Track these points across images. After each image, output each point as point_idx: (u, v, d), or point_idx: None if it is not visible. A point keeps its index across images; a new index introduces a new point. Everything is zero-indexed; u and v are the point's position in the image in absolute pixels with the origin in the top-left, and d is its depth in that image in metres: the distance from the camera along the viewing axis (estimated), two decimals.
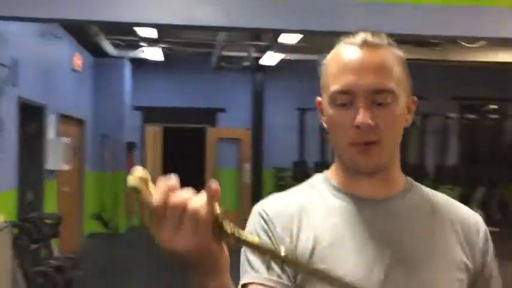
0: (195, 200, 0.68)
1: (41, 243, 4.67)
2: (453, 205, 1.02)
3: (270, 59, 9.43)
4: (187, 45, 9.33)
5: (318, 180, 1.02)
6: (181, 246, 0.67)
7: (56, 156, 6.31)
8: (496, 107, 11.11)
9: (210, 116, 10.41)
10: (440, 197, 1.03)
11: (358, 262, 0.90)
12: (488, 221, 7.09)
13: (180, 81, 10.24)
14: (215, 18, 4.23)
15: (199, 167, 10.62)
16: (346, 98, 0.91)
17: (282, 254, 0.69)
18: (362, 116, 0.89)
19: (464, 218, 1.00)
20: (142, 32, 7.62)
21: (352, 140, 0.91)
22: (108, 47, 8.73)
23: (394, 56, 0.95)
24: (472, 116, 10.48)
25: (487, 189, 10.10)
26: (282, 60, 9.47)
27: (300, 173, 9.78)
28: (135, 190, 0.68)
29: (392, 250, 0.92)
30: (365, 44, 0.93)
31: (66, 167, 6.61)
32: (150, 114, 10.21)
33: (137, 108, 10.15)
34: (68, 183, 7.34)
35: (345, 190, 0.97)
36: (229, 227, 0.68)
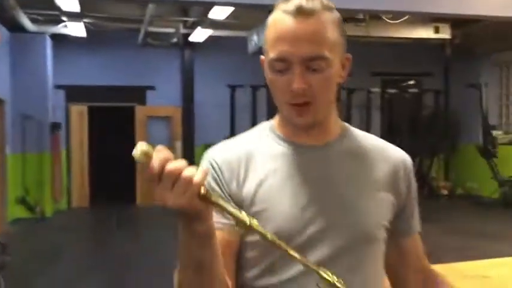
0: (188, 170, 0.80)
1: None
2: (383, 147, 1.13)
3: (199, 35, 9.34)
4: (112, 20, 9.01)
5: (264, 128, 1.11)
6: (172, 204, 0.80)
7: None
8: (414, 82, 11.76)
9: (138, 94, 10.17)
10: (372, 140, 1.14)
11: (293, 202, 1.00)
12: None
13: (105, 58, 9.89)
14: None
15: (129, 146, 10.38)
16: (282, 65, 0.98)
17: (247, 223, 0.83)
18: (296, 82, 0.97)
19: (392, 157, 1.11)
20: (63, 4, 7.25)
21: (289, 101, 1.00)
22: (26, 21, 8.25)
23: (328, 20, 0.99)
24: (392, 91, 11.01)
25: None
26: (211, 37, 9.42)
27: None
28: (141, 162, 0.80)
29: (326, 191, 1.02)
30: (299, 12, 0.96)
31: None
32: (74, 93, 9.80)
33: (60, 87, 9.70)
34: None
35: (287, 139, 1.06)
36: (211, 195, 0.83)
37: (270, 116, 5.27)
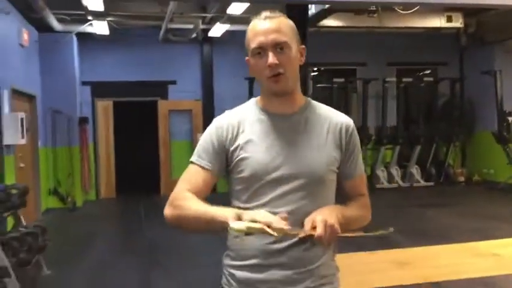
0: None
1: (11, 212, 4.83)
2: (332, 114, 1.58)
3: (217, 30, 9.67)
4: (134, 18, 9.39)
5: (251, 102, 1.59)
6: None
7: (13, 131, 6.36)
8: (429, 71, 11.92)
9: (160, 88, 10.55)
10: (325, 109, 1.58)
11: (266, 154, 1.47)
12: (424, 176, 7.98)
13: (128, 55, 10.29)
14: None
15: (152, 139, 10.79)
16: (260, 51, 1.46)
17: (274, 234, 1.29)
18: (271, 59, 1.44)
19: (338, 121, 1.55)
20: (89, 4, 7.64)
21: (267, 74, 1.46)
22: (53, 21, 8.67)
23: (285, 22, 1.49)
24: (408, 80, 11.19)
25: (423, 148, 10.92)
26: (228, 31, 9.73)
27: None
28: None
29: (290, 146, 1.49)
30: (266, 18, 1.47)
31: (23, 141, 6.67)
32: (99, 89, 10.23)
33: (86, 83, 10.14)
34: (22, 159, 7.38)
35: (265, 109, 1.54)
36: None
37: None
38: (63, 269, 5.39)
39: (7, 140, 6.32)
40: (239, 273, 1.49)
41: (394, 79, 11.09)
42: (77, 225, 8.05)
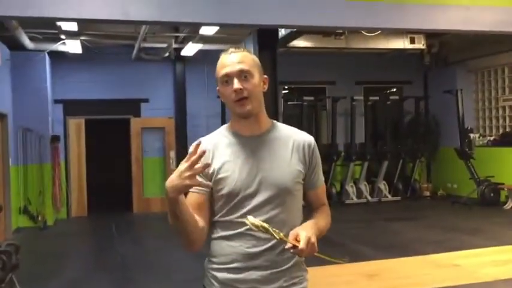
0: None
1: None
2: (295, 133, 1.78)
3: (190, 49, 9.85)
4: (107, 38, 9.51)
5: (223, 128, 1.78)
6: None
7: None
8: (395, 89, 12.35)
9: (133, 106, 10.63)
10: (288, 129, 1.79)
11: (241, 172, 1.67)
12: (392, 191, 8.32)
13: (101, 73, 10.36)
14: (146, 13, 4.62)
15: (125, 157, 10.83)
16: (227, 79, 1.67)
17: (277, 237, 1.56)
18: (236, 85, 1.64)
19: (301, 139, 1.76)
20: (63, 25, 7.73)
21: (234, 98, 1.66)
22: (25, 40, 8.70)
23: (248, 55, 1.71)
24: (375, 98, 11.57)
25: (390, 164, 11.26)
26: (201, 51, 9.93)
27: None
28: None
29: (260, 164, 1.68)
30: (232, 52, 1.69)
31: None
32: (71, 107, 10.25)
33: (59, 101, 10.15)
34: None
35: (235, 132, 1.72)
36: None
37: None
38: (37, 287, 5.39)
39: None
40: (220, 275, 1.68)
41: (362, 97, 11.46)
42: (48, 244, 8.01)
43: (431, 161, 12.12)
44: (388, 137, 11.40)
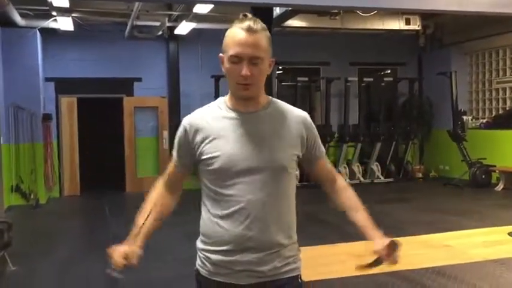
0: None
1: None
2: (291, 109, 1.76)
3: (184, 28, 9.74)
4: (99, 15, 9.37)
5: (219, 101, 1.74)
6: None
7: None
8: (389, 71, 12.32)
9: (126, 85, 10.54)
10: (284, 105, 1.77)
11: (234, 147, 1.63)
12: (384, 173, 8.38)
13: (93, 51, 10.24)
14: None
15: (118, 136, 10.77)
16: (237, 60, 1.60)
17: None
18: (245, 70, 1.59)
19: (297, 115, 1.75)
20: (54, 1, 7.60)
21: (239, 81, 1.62)
22: (16, 16, 8.56)
23: (263, 36, 1.62)
24: (369, 80, 11.54)
25: (383, 145, 11.29)
26: (195, 29, 9.82)
27: None
28: None
29: (255, 140, 1.64)
30: (248, 29, 1.59)
31: None
32: (63, 86, 10.14)
33: (50, 79, 10.03)
34: None
35: (232, 108, 1.69)
36: None
37: None
38: (28, 265, 5.39)
39: None
40: (214, 257, 1.67)
41: (356, 78, 11.43)
42: (40, 222, 8.00)
43: (424, 142, 12.17)
44: (382, 118, 11.41)
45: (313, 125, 1.78)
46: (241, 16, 1.64)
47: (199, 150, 1.67)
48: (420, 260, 5.06)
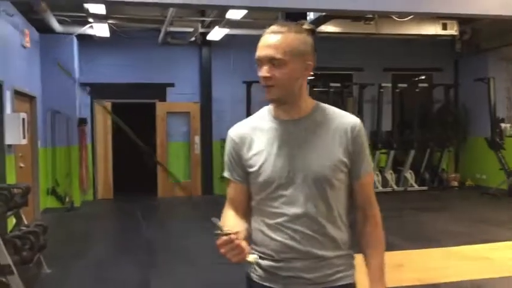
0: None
1: (14, 211, 4.92)
2: (340, 115, 1.65)
3: (216, 34, 9.78)
4: (134, 21, 9.51)
5: (264, 110, 1.70)
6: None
7: (14, 131, 6.45)
8: (424, 77, 12.08)
9: (159, 90, 10.65)
10: (333, 111, 1.67)
11: (277, 159, 1.59)
12: (418, 181, 8.18)
13: (127, 57, 10.39)
14: None
15: (150, 140, 10.88)
16: (259, 63, 1.59)
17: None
18: (262, 72, 1.57)
19: (345, 122, 1.63)
20: (91, 7, 7.75)
21: (262, 84, 1.59)
22: (54, 23, 8.77)
23: (291, 37, 1.56)
24: (403, 86, 11.33)
25: (417, 153, 11.06)
26: (227, 35, 9.85)
27: None
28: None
29: (297, 150, 1.59)
30: (272, 32, 1.57)
31: (24, 142, 6.76)
32: (98, 91, 10.32)
33: (86, 84, 10.23)
34: (22, 158, 7.46)
35: (275, 117, 1.65)
36: None
37: None
38: (63, 268, 5.48)
39: (9, 140, 6.40)
40: (264, 262, 1.63)
41: (390, 84, 11.24)
42: (75, 225, 8.14)
43: (459, 150, 11.86)
44: (416, 125, 11.18)
45: (362, 135, 1.64)
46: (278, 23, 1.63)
47: (246, 163, 1.64)
48: (458, 272, 4.90)
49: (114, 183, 10.55)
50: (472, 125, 11.54)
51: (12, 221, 5.49)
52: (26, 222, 5.28)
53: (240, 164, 1.66)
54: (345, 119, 1.64)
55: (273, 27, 1.58)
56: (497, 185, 10.09)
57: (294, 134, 1.61)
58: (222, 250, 1.41)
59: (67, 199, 9.23)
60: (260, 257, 1.63)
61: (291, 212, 1.57)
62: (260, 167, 1.60)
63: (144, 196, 10.56)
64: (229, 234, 1.41)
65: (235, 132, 1.69)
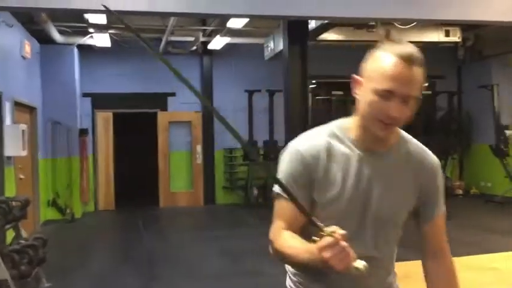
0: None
1: (12, 224, 4.84)
2: (420, 152, 1.51)
3: (217, 43, 9.75)
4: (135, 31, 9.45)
5: (335, 129, 1.45)
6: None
7: (14, 142, 6.39)
8: (427, 84, 11.99)
9: (160, 100, 10.60)
10: (414, 146, 1.51)
11: (355, 190, 1.40)
12: None
13: (128, 67, 10.36)
14: (172, 5, 4.52)
15: (152, 150, 10.83)
16: (387, 95, 1.32)
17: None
18: (395, 112, 1.32)
19: (426, 162, 1.50)
20: (92, 18, 7.72)
21: (380, 118, 1.35)
22: (55, 33, 8.74)
23: (422, 68, 1.36)
24: None
25: None
26: (229, 44, 9.81)
27: (249, 152, 10.23)
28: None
29: (376, 186, 1.42)
30: (410, 60, 1.32)
31: (24, 153, 6.69)
32: (100, 101, 10.29)
33: (87, 95, 10.19)
34: (22, 170, 7.40)
35: (359, 143, 1.43)
36: None
37: (287, 119, 5.58)
38: (63, 280, 5.38)
39: (8, 152, 6.34)
40: (311, 285, 1.49)
41: None
42: (76, 237, 8.05)
43: (464, 158, 11.76)
44: (420, 133, 11.08)
45: (440, 177, 1.52)
46: (387, 34, 1.39)
47: (318, 189, 1.41)
48: (464, 284, 4.78)
49: (116, 193, 10.47)
50: (476, 133, 11.45)
51: (12, 234, 5.41)
52: (24, 235, 5.19)
53: (309, 187, 1.41)
54: (426, 158, 1.50)
55: (411, 53, 1.33)
56: (503, 192, 9.97)
57: (377, 169, 1.43)
58: (326, 254, 1.18)
59: (68, 210, 9.15)
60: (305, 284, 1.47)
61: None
62: (334, 198, 1.40)
63: (146, 206, 10.47)
64: (334, 234, 1.19)
65: (308, 150, 1.42)
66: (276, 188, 1.42)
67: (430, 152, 1.52)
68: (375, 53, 1.40)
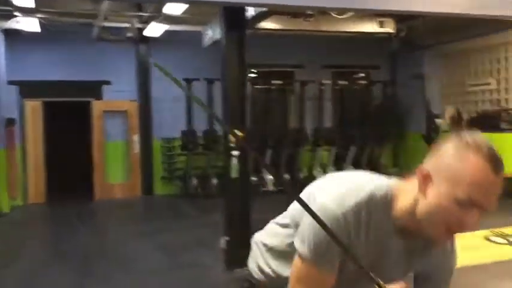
0: None
1: None
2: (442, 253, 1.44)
3: (154, 30, 9.47)
4: (66, 15, 9.01)
5: (380, 201, 1.29)
6: None
7: None
8: (363, 74, 12.28)
9: (94, 88, 10.18)
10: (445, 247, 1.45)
11: (379, 267, 1.29)
12: None
13: (60, 53, 9.86)
14: None
15: (86, 140, 10.42)
16: (467, 205, 1.15)
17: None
18: (473, 223, 1.17)
19: (445, 255, 1.45)
20: (17, 0, 7.25)
21: (452, 230, 1.20)
22: None
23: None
24: (343, 83, 11.46)
25: (358, 149, 11.23)
26: (167, 32, 9.55)
27: (188, 142, 10.07)
28: None
29: (400, 267, 1.36)
30: (498, 168, 1.14)
31: None
32: (28, 89, 9.73)
33: (13, 82, 9.61)
34: None
35: (401, 228, 1.29)
36: None
37: (225, 108, 5.44)
38: None
39: None
40: None
41: (330, 82, 11.33)
42: (4, 233, 7.61)
43: (398, 145, 12.16)
44: (356, 121, 11.35)
45: (454, 266, 1.49)
46: (476, 139, 1.19)
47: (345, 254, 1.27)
48: None
49: (48, 186, 10.00)
50: (410, 121, 11.85)
51: None
52: None
53: (339, 250, 1.27)
54: (446, 250, 1.44)
55: (500, 157, 1.17)
56: None
57: (397, 251, 1.34)
58: None
59: None
60: None
61: None
62: (349, 262, 1.29)
63: (80, 199, 10.07)
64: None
65: (353, 214, 1.26)
66: (312, 256, 1.28)
67: (449, 243, 1.43)
68: (459, 151, 1.19)
